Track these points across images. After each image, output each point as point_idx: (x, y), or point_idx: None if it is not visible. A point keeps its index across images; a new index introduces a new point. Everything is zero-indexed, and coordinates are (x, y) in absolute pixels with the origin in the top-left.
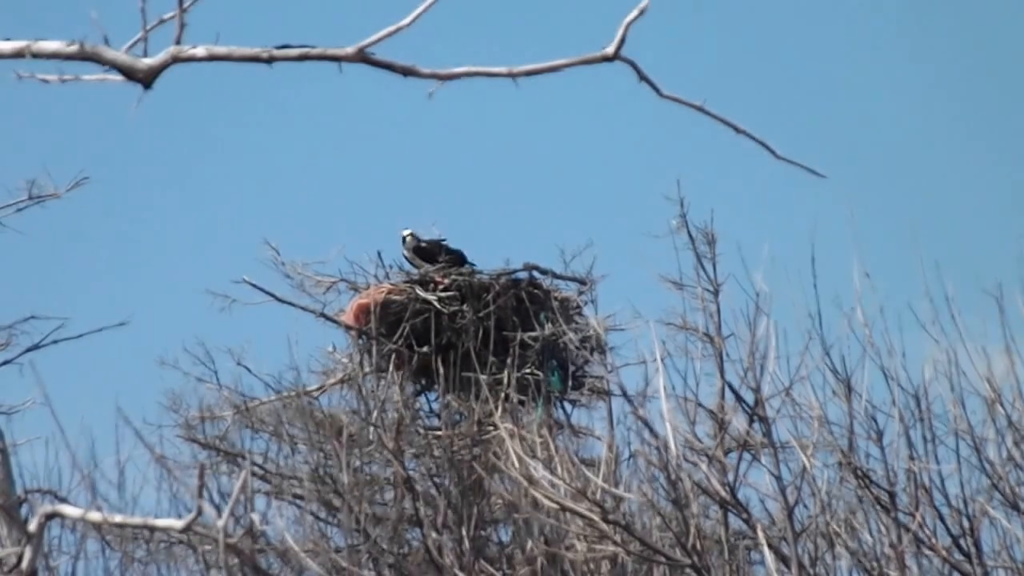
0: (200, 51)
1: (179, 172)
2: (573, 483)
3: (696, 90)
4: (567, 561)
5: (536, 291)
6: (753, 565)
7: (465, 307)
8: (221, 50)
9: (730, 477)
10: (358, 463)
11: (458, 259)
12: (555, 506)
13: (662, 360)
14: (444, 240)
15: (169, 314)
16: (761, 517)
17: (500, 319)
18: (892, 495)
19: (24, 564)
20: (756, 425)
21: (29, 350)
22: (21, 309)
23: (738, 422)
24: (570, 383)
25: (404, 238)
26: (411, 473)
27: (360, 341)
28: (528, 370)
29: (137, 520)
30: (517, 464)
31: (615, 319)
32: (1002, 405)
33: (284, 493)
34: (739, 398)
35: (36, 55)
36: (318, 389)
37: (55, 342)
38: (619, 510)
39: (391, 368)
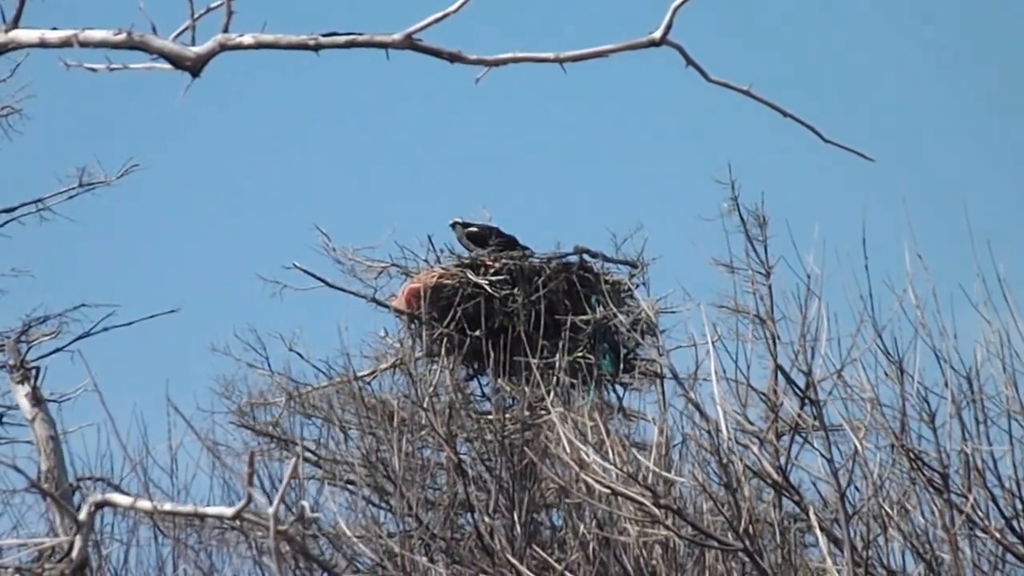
0: (247, 39)
1: (229, 159)
2: (624, 467)
3: (743, 74)
4: (619, 545)
5: (587, 274)
6: (805, 548)
7: (516, 291)
8: (268, 38)
9: (782, 460)
10: (410, 448)
11: (510, 243)
12: (607, 490)
13: (713, 343)
14: (496, 226)
15: (220, 300)
16: (813, 500)
17: (551, 303)
18: (944, 477)
19: (75, 553)
20: (808, 407)
21: (80, 338)
22: (72, 297)
23: (790, 404)
24: (621, 366)
25: (453, 226)
26: (463, 458)
27: (411, 326)
28: (579, 354)
29: (187, 508)
30: (568, 448)
31: (666, 302)
32: None
33: (336, 479)
34: (790, 380)
35: (84, 44)
36: (370, 374)
37: (106, 329)
38: (671, 494)
39: (442, 352)
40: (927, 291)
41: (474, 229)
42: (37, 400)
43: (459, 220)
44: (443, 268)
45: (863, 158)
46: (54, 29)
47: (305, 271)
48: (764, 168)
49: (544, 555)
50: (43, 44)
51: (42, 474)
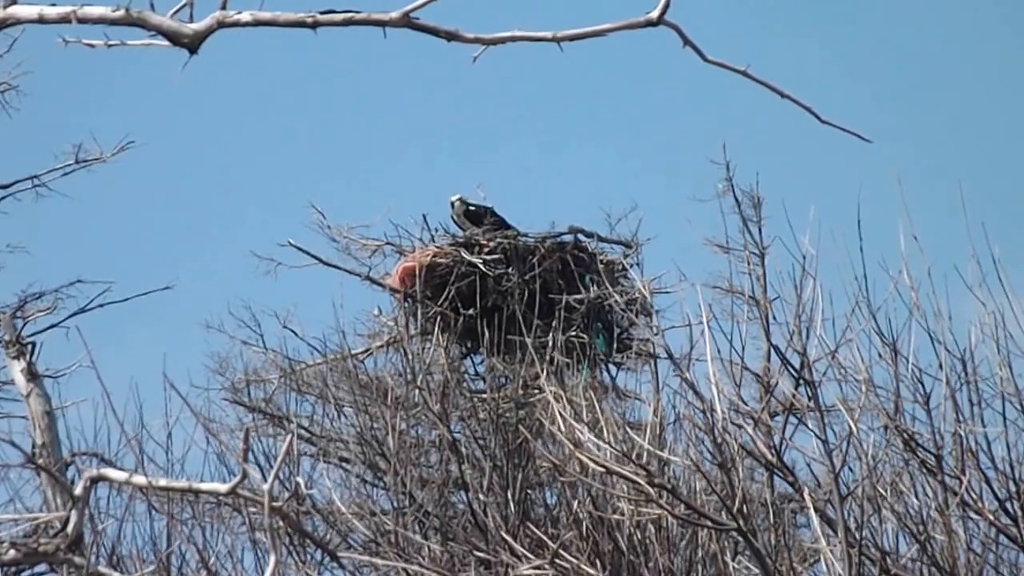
0: (245, 16)
1: (224, 136)
2: (619, 446)
3: (740, 55)
4: (613, 524)
5: (581, 254)
6: (799, 528)
7: (510, 270)
8: (266, 15)
9: (776, 440)
10: (404, 426)
11: (502, 225)
12: (600, 469)
13: (708, 323)
14: (491, 207)
15: (215, 277)
16: (807, 480)
17: (545, 282)
18: (938, 458)
19: (70, 528)
20: (802, 388)
21: (76, 314)
22: (67, 273)
23: (784, 385)
24: (615, 346)
25: (452, 203)
26: (456, 436)
27: (406, 304)
28: (573, 333)
29: (182, 484)
30: (562, 427)
31: (660, 282)
32: None
33: (330, 456)
34: (785, 361)
35: (82, 20)
36: (364, 352)
37: (101, 306)
38: (665, 473)
39: (436, 331)
40: (922, 272)
41: (472, 208)
42: (33, 375)
43: (461, 197)
44: (437, 247)
45: (859, 139)
46: (52, 5)
47: (300, 249)
48: (760, 149)
49: (538, 533)
50: (41, 20)
51: (37, 449)
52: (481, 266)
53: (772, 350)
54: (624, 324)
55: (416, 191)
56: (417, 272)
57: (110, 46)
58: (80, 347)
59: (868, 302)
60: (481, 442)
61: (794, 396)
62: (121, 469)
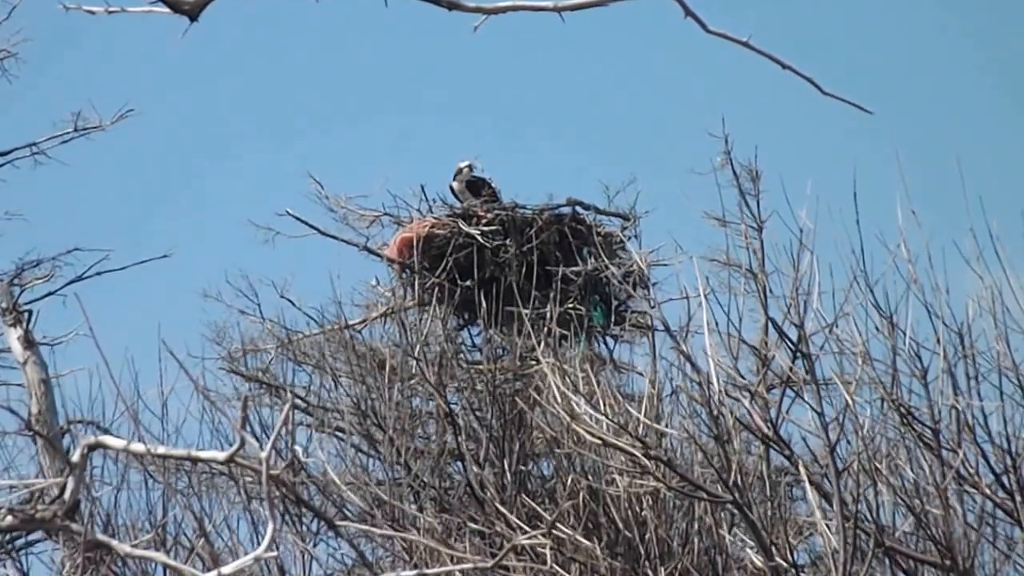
0: None
1: (224, 104)
2: (615, 418)
3: (742, 26)
4: (608, 496)
5: (579, 226)
6: (795, 502)
7: (508, 241)
8: None
9: (772, 413)
10: (400, 396)
11: (495, 198)
12: (597, 441)
13: (705, 296)
14: (490, 178)
15: (212, 246)
16: (803, 454)
17: (543, 254)
18: (935, 432)
19: (66, 495)
20: (799, 361)
21: (73, 282)
22: (65, 241)
23: (781, 358)
24: (612, 318)
25: (460, 169)
26: (453, 407)
27: (403, 275)
28: (571, 305)
29: (180, 452)
30: (559, 399)
31: (658, 254)
32: None
33: (326, 426)
34: (782, 334)
35: None
36: (361, 322)
37: (99, 274)
38: (661, 445)
39: (434, 302)
40: (919, 246)
41: (474, 179)
42: (29, 343)
43: (471, 163)
44: (435, 218)
45: (862, 111)
46: None
47: (298, 218)
48: (759, 121)
49: (534, 505)
50: None
51: (33, 417)
52: (479, 237)
53: (769, 323)
54: (621, 296)
55: (414, 161)
56: (415, 243)
57: (110, 13)
58: (77, 315)
59: (866, 276)
60: (478, 413)
61: (791, 369)
62: (118, 437)
